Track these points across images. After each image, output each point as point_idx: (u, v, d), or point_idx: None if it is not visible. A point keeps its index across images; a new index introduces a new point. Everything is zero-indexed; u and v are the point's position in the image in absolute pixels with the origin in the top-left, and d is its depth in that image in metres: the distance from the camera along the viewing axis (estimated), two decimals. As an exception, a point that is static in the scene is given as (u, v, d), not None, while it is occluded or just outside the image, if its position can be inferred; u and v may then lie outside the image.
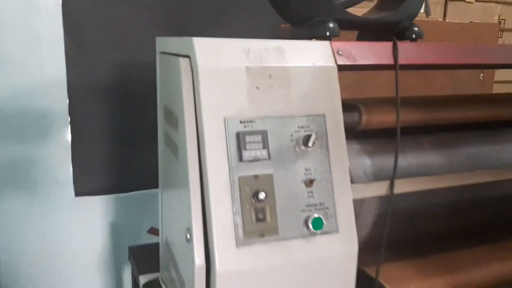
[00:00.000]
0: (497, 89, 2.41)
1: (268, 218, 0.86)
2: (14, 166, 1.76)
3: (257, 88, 0.88)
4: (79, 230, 1.86)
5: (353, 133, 1.11)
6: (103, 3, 1.72)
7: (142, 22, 1.75)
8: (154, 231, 1.71)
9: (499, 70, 2.42)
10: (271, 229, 0.86)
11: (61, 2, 1.66)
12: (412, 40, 1.14)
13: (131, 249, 1.52)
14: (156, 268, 1.31)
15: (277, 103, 0.90)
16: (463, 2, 2.29)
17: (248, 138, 0.86)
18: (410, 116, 1.12)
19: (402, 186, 1.00)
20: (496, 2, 2.38)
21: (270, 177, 0.87)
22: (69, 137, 1.77)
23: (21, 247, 1.82)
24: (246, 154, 0.86)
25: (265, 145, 0.87)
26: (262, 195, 0.85)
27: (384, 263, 1.11)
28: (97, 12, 1.72)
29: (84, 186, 1.81)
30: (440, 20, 2.27)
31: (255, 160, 0.86)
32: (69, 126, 1.76)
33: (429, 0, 2.19)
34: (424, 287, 1.07)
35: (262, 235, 0.86)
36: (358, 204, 1.06)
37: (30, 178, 1.78)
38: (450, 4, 2.26)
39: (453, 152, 1.16)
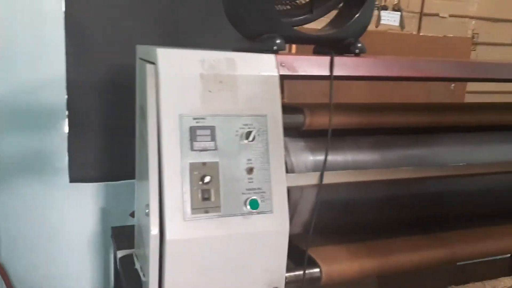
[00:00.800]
0: (469, 98, 2.58)
1: (213, 198, 1.05)
2: (16, 154, 1.97)
3: (209, 91, 1.08)
4: (73, 213, 2.07)
5: (299, 132, 1.30)
6: (102, 9, 1.93)
7: (136, 26, 1.95)
8: (134, 214, 1.90)
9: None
10: (215, 207, 1.06)
11: (63, 9, 1.87)
12: (356, 54, 1.32)
13: (114, 229, 1.72)
14: (132, 245, 1.50)
15: (226, 104, 1.09)
16: (437, 16, 2.46)
17: (198, 132, 1.05)
18: (350, 119, 1.30)
19: (332, 177, 1.18)
20: (470, 17, 2.55)
21: (216, 164, 1.07)
22: (66, 129, 1.98)
23: (20, 227, 2.03)
24: (196, 145, 1.05)
25: (213, 138, 1.07)
26: (207, 179, 1.04)
27: (322, 246, 1.30)
28: (96, 18, 1.93)
29: (78, 174, 2.01)
30: (414, 33, 2.44)
31: (204, 150, 1.06)
32: (67, 119, 1.97)
33: (404, 14, 2.37)
34: (353, 266, 1.25)
35: (206, 211, 1.05)
36: (299, 192, 1.25)
37: (29, 166, 1.99)
38: (424, 18, 2.43)
39: (388, 152, 1.35)
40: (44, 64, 1.91)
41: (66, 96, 1.94)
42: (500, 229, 1.49)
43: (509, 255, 2.67)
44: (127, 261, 1.46)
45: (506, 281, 1.46)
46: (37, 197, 2.01)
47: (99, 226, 2.10)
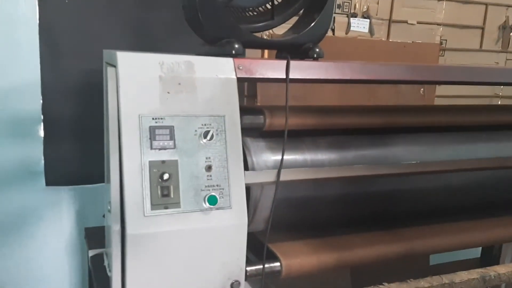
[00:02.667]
0: (438, 102, 2.66)
1: (172, 195, 1.11)
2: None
3: (168, 92, 1.13)
4: (49, 216, 2.10)
5: (260, 133, 1.36)
6: (76, 15, 1.98)
7: (109, 32, 2.01)
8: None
9: (441, 85, 2.67)
10: (174, 203, 1.11)
11: (37, 14, 1.92)
12: (314, 59, 1.39)
13: (87, 230, 1.76)
14: (103, 245, 1.54)
15: (185, 105, 1.15)
16: (405, 23, 2.54)
17: (157, 131, 1.11)
18: (308, 120, 1.37)
19: (289, 174, 1.24)
20: (437, 24, 2.64)
21: (175, 162, 1.12)
22: (41, 133, 2.02)
23: (-3, 230, 2.05)
24: (155, 144, 1.10)
25: (172, 137, 1.12)
26: (166, 176, 1.10)
27: (283, 241, 1.36)
28: (69, 23, 1.98)
29: (54, 177, 2.06)
30: (383, 39, 2.53)
31: (163, 148, 1.11)
32: (42, 123, 2.01)
33: (373, 21, 2.45)
34: (311, 260, 1.31)
35: (166, 207, 1.10)
36: (259, 190, 1.31)
37: (6, 169, 2.01)
38: (393, 25, 2.52)
39: (345, 152, 1.41)
40: (18, 69, 1.95)
41: (41, 101, 1.99)
42: (454, 225, 1.56)
43: (479, 256, 2.76)
44: (98, 260, 1.51)
45: (463, 275, 1.52)
46: (13, 200, 2.04)
47: (75, 229, 2.13)
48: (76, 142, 2.06)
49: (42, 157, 2.04)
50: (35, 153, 2.03)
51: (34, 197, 2.07)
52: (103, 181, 2.11)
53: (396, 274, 1.44)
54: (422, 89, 2.59)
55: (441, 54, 2.71)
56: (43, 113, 2.01)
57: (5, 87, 1.94)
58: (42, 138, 2.02)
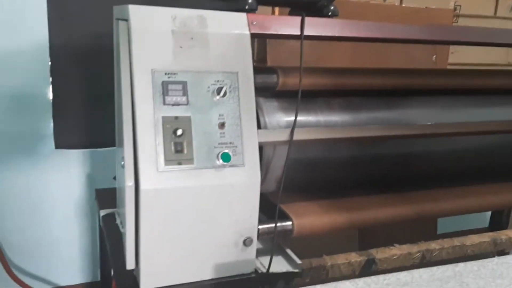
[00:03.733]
0: (450, 70, 2.61)
1: (185, 151, 1.10)
2: (1, 122, 1.99)
3: (181, 47, 1.11)
4: (58, 179, 2.11)
5: (273, 93, 1.34)
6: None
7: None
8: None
9: (453, 53, 2.62)
10: (187, 159, 1.10)
11: (45, -26, 1.88)
12: (328, 16, 1.35)
13: (97, 191, 1.77)
14: (114, 205, 1.55)
15: (197, 61, 1.13)
16: (419, -12, 2.48)
17: (170, 86, 1.09)
18: (321, 81, 1.35)
19: (303, 134, 1.23)
20: (452, -11, 2.57)
21: (188, 118, 1.11)
22: (50, 95, 2.01)
23: (7, 194, 2.06)
24: (168, 99, 1.09)
25: (185, 93, 1.11)
26: (180, 132, 1.08)
27: (295, 202, 1.36)
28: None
29: (63, 140, 2.06)
30: (396, 4, 2.46)
31: (176, 104, 1.10)
32: (51, 85, 2.00)
33: (387, -15, 2.39)
34: (323, 220, 1.31)
35: (179, 163, 1.09)
36: (272, 150, 1.30)
37: (15, 133, 2.01)
38: (407, -10, 2.45)
39: (358, 113, 1.39)
40: (26, 31, 1.92)
41: (49, 63, 1.97)
42: (467, 189, 1.55)
43: (487, 225, 2.77)
44: (109, 219, 1.52)
45: (474, 238, 1.52)
46: (23, 163, 2.05)
47: (85, 191, 2.14)
48: (85, 105, 2.04)
49: (51, 120, 2.03)
50: (44, 116, 2.03)
51: (43, 160, 2.07)
52: (112, 145, 2.12)
53: (404, 240, 1.45)
54: (434, 56, 2.54)
55: (455, 20, 2.65)
56: (51, 76, 1.99)
57: (14, 50, 1.91)
58: (51, 101, 2.01)
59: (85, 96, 2.04)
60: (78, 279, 2.23)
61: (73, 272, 2.21)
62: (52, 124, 2.03)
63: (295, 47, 1.99)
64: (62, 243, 2.16)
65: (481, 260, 1.08)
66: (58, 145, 2.05)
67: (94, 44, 1.99)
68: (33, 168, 2.06)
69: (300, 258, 1.28)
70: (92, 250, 2.21)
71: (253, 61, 2.17)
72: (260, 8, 1.83)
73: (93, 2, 1.95)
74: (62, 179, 2.11)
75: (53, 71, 1.98)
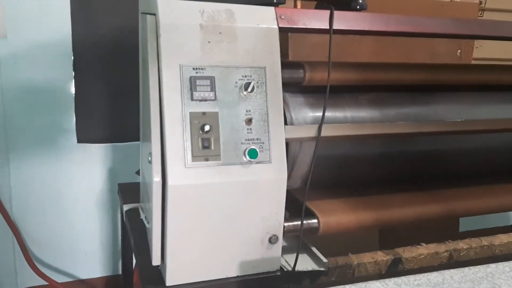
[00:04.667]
0: (475, 65, 2.56)
1: (213, 147, 1.09)
2: (25, 116, 2.00)
3: (209, 42, 1.09)
4: (80, 173, 2.12)
5: (299, 88, 1.32)
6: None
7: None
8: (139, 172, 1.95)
9: (478, 47, 2.56)
10: (215, 156, 1.09)
11: (68, -31, 1.88)
12: (356, 10, 1.33)
13: (120, 185, 1.78)
14: (137, 200, 1.55)
15: (225, 56, 1.11)
16: (444, -19, 2.42)
17: (198, 82, 1.08)
18: (349, 76, 1.32)
19: (330, 130, 1.20)
20: (478, -17, 2.51)
21: (215, 114, 1.09)
22: (73, 90, 2.02)
23: (31, 187, 2.08)
24: (196, 95, 1.08)
25: (213, 88, 1.09)
26: (207, 128, 1.07)
27: (321, 199, 1.34)
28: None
29: (85, 135, 2.07)
30: (421, -3, 2.41)
31: (204, 100, 1.08)
32: (73, 80, 2.00)
33: (411, -22, 2.34)
34: (350, 219, 1.29)
35: (206, 159, 1.08)
36: (298, 146, 1.28)
37: (38, 127, 2.03)
38: (431, -17, 2.40)
39: (386, 110, 1.36)
40: (49, 26, 1.93)
41: (72, 57, 1.98)
42: (496, 187, 1.52)
43: (509, 224, 2.72)
44: (132, 213, 1.52)
45: (502, 237, 1.49)
46: (46, 157, 2.06)
47: (106, 186, 2.15)
48: (108, 100, 2.05)
49: (74, 115, 2.04)
50: (67, 111, 2.04)
51: (65, 154, 2.09)
52: (134, 140, 2.12)
53: (425, 239, 1.42)
54: (459, 51, 2.49)
55: (480, 14, 2.59)
56: (74, 70, 2.00)
57: (38, 45, 1.92)
58: (74, 96, 2.02)
59: (107, 90, 2.05)
60: (99, 273, 2.25)
61: (94, 266, 2.23)
62: (74, 119, 2.04)
63: (317, 41, 1.97)
64: (83, 237, 2.18)
65: (514, 261, 1.06)
66: (80, 140, 2.06)
67: (117, 38, 1.99)
68: (56, 162, 2.07)
69: (324, 255, 1.27)
70: (113, 244, 2.23)
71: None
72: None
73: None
74: (84, 173, 2.12)
75: (76, 66, 1.99)
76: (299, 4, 1.96)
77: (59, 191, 2.12)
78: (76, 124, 2.05)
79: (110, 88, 2.04)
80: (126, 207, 1.57)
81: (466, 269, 1.02)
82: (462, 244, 1.38)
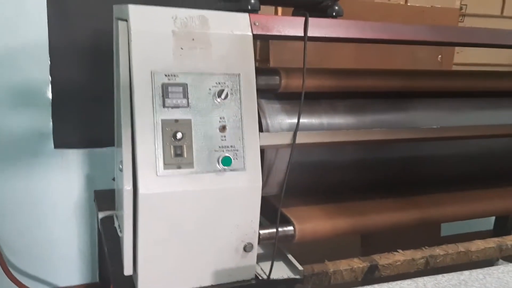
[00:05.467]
0: (455, 71, 2.58)
1: (185, 154, 1.07)
2: (0, 120, 1.97)
3: (181, 48, 1.08)
4: (58, 179, 2.08)
5: (275, 94, 1.31)
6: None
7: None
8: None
9: (459, 53, 2.58)
10: (187, 163, 1.07)
11: (44, -27, 1.85)
12: (332, 17, 1.32)
13: (96, 192, 1.75)
14: (113, 207, 1.53)
15: (199, 62, 1.10)
16: (425, -13, 2.44)
17: (170, 89, 1.06)
18: (325, 82, 1.31)
19: (305, 137, 1.20)
20: (458, -12, 2.53)
21: (188, 121, 1.08)
22: (50, 95, 1.98)
23: (6, 193, 2.04)
24: (168, 101, 1.06)
25: (185, 95, 1.08)
26: (179, 135, 1.06)
27: (297, 206, 1.33)
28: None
29: (62, 140, 2.03)
30: (402, 3, 2.43)
31: (176, 107, 1.07)
32: (50, 85, 1.97)
33: (391, -16, 2.35)
34: (325, 225, 1.28)
35: (179, 167, 1.07)
36: (274, 153, 1.27)
37: (14, 132, 1.99)
38: (412, -12, 2.41)
39: (363, 116, 1.36)
40: (25, 30, 1.90)
41: (49, 62, 1.95)
42: (473, 194, 1.52)
43: (491, 228, 2.74)
44: (108, 221, 1.50)
45: (479, 243, 1.49)
46: (22, 163, 2.02)
47: (84, 192, 2.12)
48: (85, 105, 2.02)
49: (51, 120, 2.01)
50: (44, 116, 2.00)
51: (42, 160, 2.05)
52: (111, 145, 2.09)
53: (408, 244, 1.42)
54: (439, 56, 2.51)
55: (461, 20, 2.61)
56: (51, 75, 1.96)
57: (13, 48, 1.89)
58: (50, 100, 1.99)
59: (84, 95, 2.01)
60: (77, 280, 2.21)
61: (72, 273, 2.19)
62: (51, 124, 2.01)
63: (299, 47, 1.96)
64: (61, 244, 2.14)
65: (486, 268, 1.06)
66: (58, 145, 2.03)
67: (94, 42, 1.96)
68: (33, 168, 2.03)
69: (301, 263, 1.26)
70: (92, 251, 2.19)
71: (256, 61, 2.16)
72: (263, 8, 1.80)
73: (93, 0, 1.93)
74: (61, 179, 2.08)
75: (53, 69, 1.95)
76: (279, 11, 1.96)
77: (36, 197, 2.08)
78: (53, 129, 2.01)
79: (87, 92, 2.00)
80: (101, 215, 1.55)
81: (439, 276, 1.02)
82: (438, 251, 1.38)
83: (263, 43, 2.08)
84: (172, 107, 1.07)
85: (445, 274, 1.02)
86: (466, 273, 1.04)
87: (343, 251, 2.02)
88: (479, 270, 1.06)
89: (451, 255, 1.39)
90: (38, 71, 1.95)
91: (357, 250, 2.09)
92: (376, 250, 1.38)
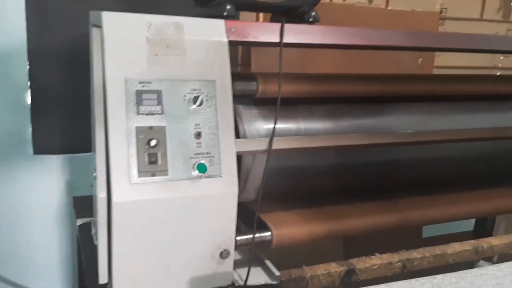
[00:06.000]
0: (437, 73, 2.60)
1: (160, 162, 1.07)
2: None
3: (156, 55, 1.08)
4: (38, 185, 2.06)
5: (253, 100, 1.31)
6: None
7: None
8: (96, 184, 1.91)
9: (439, 56, 2.61)
10: (162, 171, 1.07)
11: (23, -24, 1.83)
12: (309, 22, 1.33)
13: (75, 199, 1.73)
14: (92, 214, 1.51)
15: (173, 69, 1.09)
16: (405, -9, 2.47)
17: (144, 96, 1.06)
18: (303, 88, 1.32)
19: (282, 143, 1.20)
20: (438, -8, 2.56)
21: (163, 128, 1.08)
22: (29, 100, 1.96)
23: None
24: (142, 108, 1.06)
25: (160, 102, 1.07)
26: (154, 142, 1.05)
27: (274, 211, 1.33)
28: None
29: (42, 146, 2.00)
30: (382, 7, 2.45)
31: (150, 114, 1.07)
32: (29, 90, 1.95)
33: (372, -12, 2.37)
34: (303, 230, 1.29)
35: (153, 174, 1.06)
36: (252, 159, 1.27)
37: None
38: (392, -8, 2.44)
39: (340, 121, 1.37)
40: (3, 33, 1.88)
41: (27, 67, 1.92)
42: (450, 196, 1.54)
43: (472, 229, 2.77)
44: (85, 228, 1.48)
45: (455, 246, 1.51)
46: (1, 169, 2.00)
47: (64, 198, 2.10)
48: (65, 110, 1.99)
49: (30, 125, 1.99)
50: (23, 121, 1.98)
51: (22, 166, 2.03)
52: (91, 151, 2.07)
53: (389, 246, 1.43)
54: (420, 59, 2.53)
55: (441, 23, 2.64)
56: (30, 80, 1.94)
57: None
58: (29, 106, 1.97)
59: (64, 100, 1.99)
60: (58, 287, 2.18)
61: (53, 280, 2.17)
62: (30, 129, 1.98)
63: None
64: (41, 251, 2.12)
65: (459, 272, 1.07)
66: (37, 151, 2.00)
67: (74, 46, 1.94)
68: (12, 174, 2.01)
69: (283, 268, 1.26)
70: (73, 258, 2.17)
71: (238, 65, 2.16)
72: (245, 14, 1.80)
73: (73, 3, 1.91)
74: (41, 185, 2.06)
75: (32, 74, 1.93)
76: (261, 17, 1.96)
77: (15, 203, 2.05)
78: (32, 135, 1.98)
79: (67, 97, 1.98)
80: (79, 222, 1.53)
81: (413, 280, 1.03)
82: (415, 254, 1.40)
83: (245, 48, 2.08)
84: (147, 114, 1.06)
85: (418, 278, 1.03)
86: (439, 276, 1.05)
87: (326, 255, 2.03)
88: (452, 274, 1.07)
89: (427, 258, 1.40)
90: (17, 75, 1.93)
91: (339, 254, 2.10)
92: (358, 253, 1.39)
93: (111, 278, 1.09)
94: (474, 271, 1.09)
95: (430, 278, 1.04)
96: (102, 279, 1.10)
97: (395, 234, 1.72)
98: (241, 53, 2.12)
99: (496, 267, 1.11)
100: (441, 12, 2.62)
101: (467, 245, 1.48)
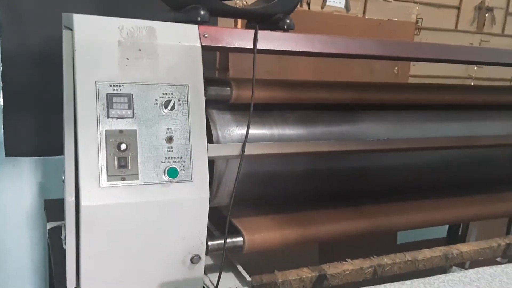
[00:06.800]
0: (412, 82, 2.65)
1: (130, 166, 1.06)
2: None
3: (127, 59, 1.07)
4: (9, 188, 2.02)
5: (227, 105, 1.32)
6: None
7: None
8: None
9: (415, 65, 2.66)
10: (132, 175, 1.06)
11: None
12: (284, 30, 1.34)
13: (46, 202, 1.70)
14: (63, 218, 1.49)
15: (145, 73, 1.09)
16: (382, 0, 2.51)
17: (115, 99, 1.05)
18: (276, 94, 1.33)
19: (254, 149, 1.20)
20: (414, 2, 2.61)
21: (133, 132, 1.07)
22: (1, 101, 1.92)
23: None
24: (112, 112, 1.05)
25: (131, 106, 1.07)
26: (123, 146, 1.05)
27: (247, 217, 1.33)
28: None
29: (14, 148, 1.97)
30: (359, 16, 2.48)
31: (121, 117, 1.06)
32: (1, 91, 1.91)
33: (350, -3, 2.41)
34: (275, 236, 1.29)
35: (123, 178, 1.05)
36: (224, 164, 1.27)
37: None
38: (369, 1, 2.47)
39: (313, 127, 1.38)
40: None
41: (0, 68, 1.89)
42: (422, 203, 1.57)
43: (445, 235, 2.82)
44: (56, 232, 1.46)
45: (426, 252, 1.53)
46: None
47: (37, 201, 2.06)
48: (37, 112, 1.96)
49: (2, 127, 1.95)
50: (-6, 122, 1.94)
51: (-7, 168, 1.99)
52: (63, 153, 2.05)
53: (364, 251, 1.45)
54: (396, 68, 2.58)
55: (417, 33, 2.69)
56: (2, 81, 1.90)
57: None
58: (1, 107, 1.93)
59: (37, 101, 1.96)
60: (29, 292, 2.14)
61: (25, 284, 2.12)
62: (2, 131, 1.95)
63: (259, 57, 1.99)
64: (13, 254, 2.07)
65: (428, 278, 1.09)
66: (9, 153, 1.96)
67: (48, 48, 1.92)
68: (-18, 176, 1.97)
69: (257, 273, 1.26)
70: (44, 262, 2.13)
71: (216, 69, 2.16)
72: (223, 20, 1.80)
73: (47, 5, 1.89)
74: (13, 188, 2.02)
75: (4, 75, 1.89)
76: (239, 24, 1.97)
77: (-14, 206, 2.01)
78: (4, 137, 1.95)
79: (40, 99, 1.95)
80: (49, 225, 1.51)
81: (381, 286, 1.04)
82: (386, 260, 1.41)
83: (223, 53, 2.09)
84: (117, 118, 1.06)
85: (387, 284, 1.05)
86: (407, 282, 1.07)
87: (301, 260, 2.04)
88: (420, 280, 1.09)
89: (398, 264, 1.42)
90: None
91: (315, 259, 2.11)
92: (333, 259, 1.40)
93: (79, 283, 1.07)
94: (442, 277, 1.11)
95: (399, 283, 1.06)
96: (70, 283, 1.09)
97: (370, 240, 1.74)
98: (219, 57, 2.13)
99: (463, 273, 1.13)
100: (417, 22, 2.67)
101: (437, 252, 1.50)
